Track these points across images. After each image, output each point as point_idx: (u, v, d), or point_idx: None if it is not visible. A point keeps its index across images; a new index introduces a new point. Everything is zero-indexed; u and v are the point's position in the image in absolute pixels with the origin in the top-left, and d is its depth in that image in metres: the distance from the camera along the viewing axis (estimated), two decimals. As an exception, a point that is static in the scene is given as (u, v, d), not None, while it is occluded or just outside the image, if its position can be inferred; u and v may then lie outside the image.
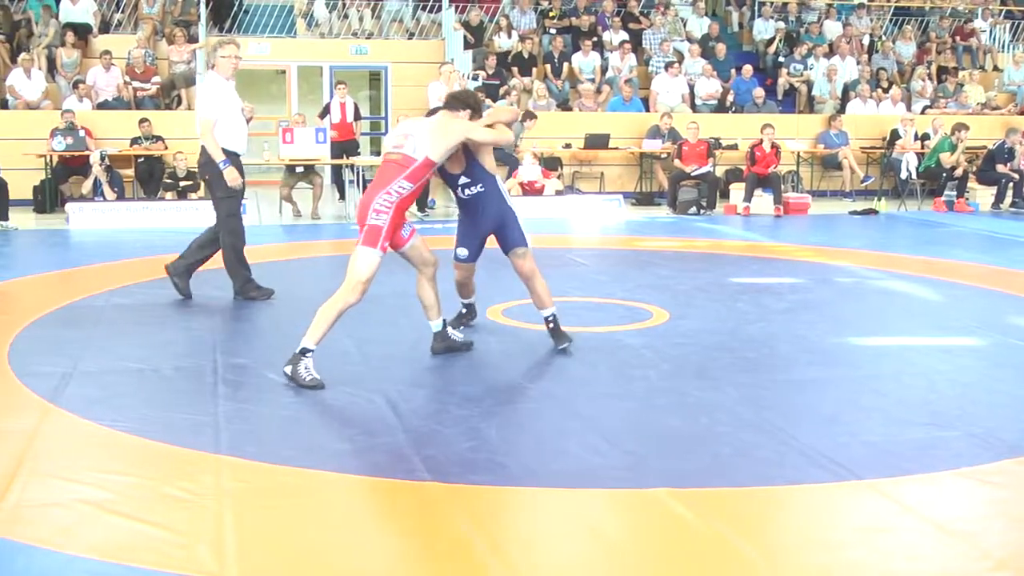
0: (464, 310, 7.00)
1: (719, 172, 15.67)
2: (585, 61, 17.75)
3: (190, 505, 3.97)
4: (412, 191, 5.83)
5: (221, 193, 7.85)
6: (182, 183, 13.91)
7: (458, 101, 6.26)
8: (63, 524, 3.76)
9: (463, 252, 6.62)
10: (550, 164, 15.67)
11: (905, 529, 3.81)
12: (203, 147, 7.83)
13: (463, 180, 6.37)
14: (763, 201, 14.67)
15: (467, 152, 6.25)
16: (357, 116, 15.35)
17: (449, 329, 6.44)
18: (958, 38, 20.98)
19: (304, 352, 5.58)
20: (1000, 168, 15.51)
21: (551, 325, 6.49)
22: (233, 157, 7.85)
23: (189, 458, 4.47)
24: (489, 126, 6.25)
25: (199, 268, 8.14)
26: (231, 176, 7.76)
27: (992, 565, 3.53)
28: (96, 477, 4.23)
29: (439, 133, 5.93)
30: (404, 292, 6.92)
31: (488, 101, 15.94)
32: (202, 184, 14.47)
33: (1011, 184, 15.49)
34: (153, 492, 4.10)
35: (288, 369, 5.58)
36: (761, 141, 14.72)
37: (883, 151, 17.04)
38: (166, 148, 14.62)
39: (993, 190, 15.63)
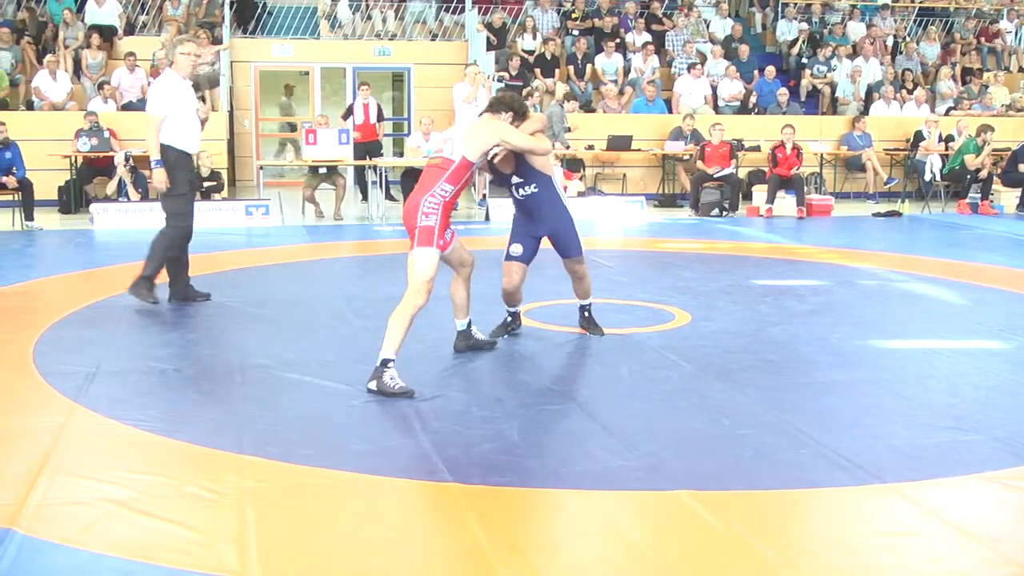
0: (509, 318, 6.89)
1: (742, 174, 15.63)
2: (608, 62, 17.74)
3: (213, 504, 3.99)
4: (455, 192, 5.91)
5: (173, 190, 7.71)
6: (206, 183, 13.98)
7: (501, 104, 6.29)
8: (87, 522, 3.79)
9: (517, 249, 6.64)
10: (572, 165, 15.66)
11: (928, 533, 3.80)
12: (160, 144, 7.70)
13: (516, 180, 6.49)
14: (786, 203, 14.61)
15: (516, 152, 6.30)
16: (380, 117, 15.39)
17: (473, 328, 6.46)
18: (983, 39, 20.88)
19: (385, 364, 5.51)
20: (1023, 168, 15.39)
21: (586, 314, 6.90)
22: (183, 156, 7.76)
23: (212, 457, 4.50)
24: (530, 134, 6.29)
25: (189, 269, 8.03)
26: (159, 178, 7.64)
27: (1016, 570, 3.51)
28: (120, 476, 4.26)
29: (474, 133, 6.01)
30: (437, 294, 6.92)
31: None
32: (225, 184, 14.63)
33: (1036, 185, 15.40)
34: (176, 491, 4.12)
35: (373, 384, 5.49)
36: (782, 143, 14.67)
37: (907, 153, 16.95)
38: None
39: (1017, 192, 15.52)
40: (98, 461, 4.48)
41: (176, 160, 7.73)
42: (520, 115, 6.28)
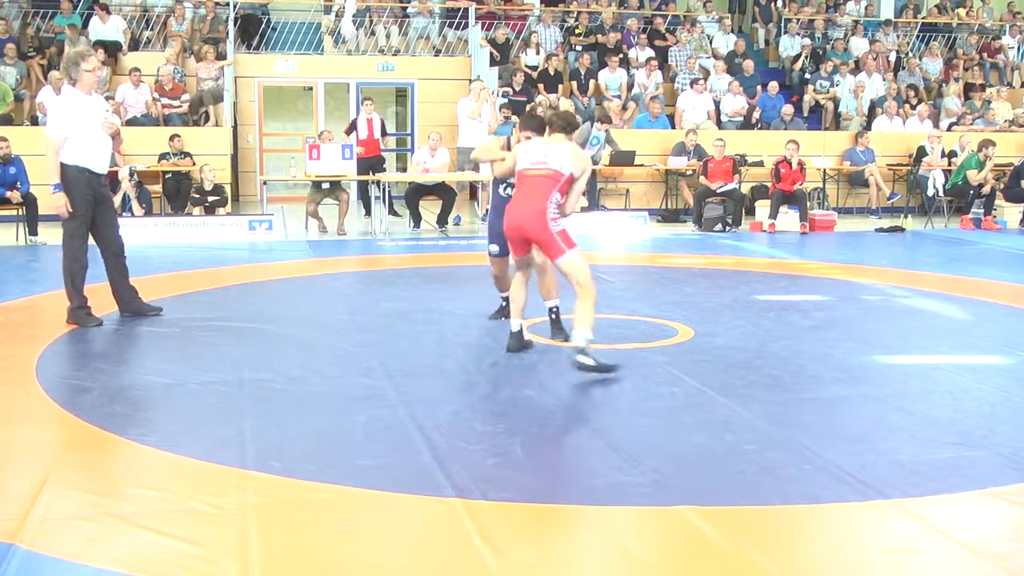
0: (504, 303, 7.54)
1: (744, 189, 15.63)
2: (611, 78, 17.78)
3: (215, 520, 3.98)
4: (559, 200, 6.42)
5: (69, 212, 7.50)
6: (210, 198, 14.01)
7: (571, 127, 6.66)
8: (89, 537, 3.78)
9: (495, 248, 7.38)
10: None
11: (932, 549, 3.78)
12: (61, 164, 7.45)
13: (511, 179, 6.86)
14: (789, 218, 14.61)
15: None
16: (384, 132, 15.41)
17: (526, 330, 6.85)
18: (985, 55, 20.90)
19: (586, 345, 6.11)
20: (1027, 183, 15.40)
21: (553, 316, 7.20)
22: (89, 175, 7.54)
23: (215, 472, 4.49)
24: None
25: (128, 280, 7.93)
26: (57, 203, 7.43)
27: (1020, 586, 3.50)
28: (122, 491, 4.26)
29: (579, 157, 6.47)
30: (428, 308, 6.94)
31: (514, 118, 16.02)
32: (229, 199, 14.66)
33: (1039, 200, 15.40)
34: (179, 506, 4.11)
35: (582, 358, 6.10)
36: (786, 158, 14.68)
37: (910, 168, 16.96)
38: (194, 164, 14.73)
39: (1020, 207, 15.51)
40: (100, 476, 4.48)
41: (73, 179, 7.48)
42: (572, 131, 6.72)
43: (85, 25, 17.12)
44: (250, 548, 3.70)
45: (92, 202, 7.62)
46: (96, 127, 7.59)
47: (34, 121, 15.52)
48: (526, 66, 17.84)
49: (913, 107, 18.33)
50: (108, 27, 17.03)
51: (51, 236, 12.66)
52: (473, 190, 16.20)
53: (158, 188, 14.79)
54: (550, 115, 6.80)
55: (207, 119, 16.29)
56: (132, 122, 15.41)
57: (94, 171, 7.61)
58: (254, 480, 4.39)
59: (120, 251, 7.88)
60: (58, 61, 16.45)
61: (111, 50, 16.70)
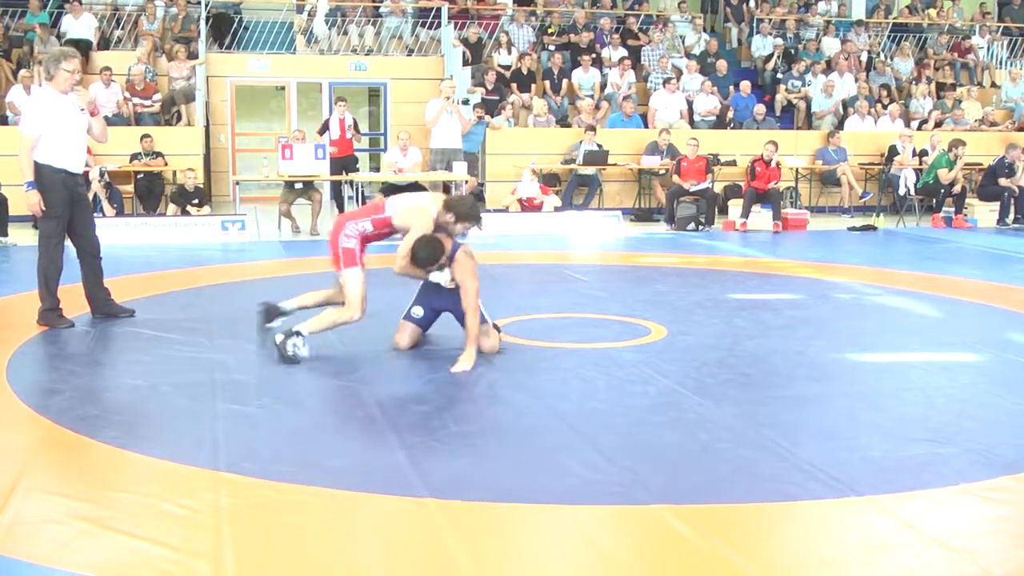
0: None
1: (718, 188, 15.68)
2: (584, 77, 17.80)
3: (188, 522, 3.96)
4: (373, 234, 6.66)
5: (46, 212, 7.46)
6: (193, 201, 13.94)
7: (450, 207, 6.59)
8: (60, 541, 3.76)
9: (418, 311, 6.89)
10: (549, 180, 15.69)
11: (905, 546, 3.80)
12: (36, 163, 7.40)
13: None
14: (762, 217, 14.67)
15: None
16: (357, 131, 15.37)
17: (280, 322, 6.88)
18: (956, 54, 21.06)
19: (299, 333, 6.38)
20: (1002, 182, 15.51)
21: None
22: (66, 176, 7.50)
23: (187, 475, 4.46)
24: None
25: (103, 281, 7.92)
26: (30, 201, 7.40)
27: (992, 582, 3.52)
28: (93, 494, 4.22)
29: (410, 215, 6.57)
30: (401, 307, 6.91)
31: (488, 117, 16.02)
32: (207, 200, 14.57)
33: (1013, 199, 15.51)
34: (151, 509, 4.09)
35: (280, 338, 6.41)
36: (762, 157, 14.73)
37: (881, 167, 17.07)
38: (166, 164, 14.65)
39: (992, 206, 15.63)
40: (72, 479, 4.45)
41: (49, 180, 7.42)
42: (463, 219, 6.58)
43: (55, 24, 16.99)
44: (223, 550, 3.69)
45: (69, 203, 7.57)
46: (70, 126, 7.51)
47: (3, 120, 15.39)
48: (499, 66, 17.84)
49: (885, 107, 18.44)
50: (80, 23, 16.90)
51: (21, 237, 12.58)
52: (447, 189, 16.16)
53: (130, 188, 14.69)
54: (457, 201, 6.72)
55: (179, 119, 16.20)
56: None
57: (70, 171, 7.55)
58: (227, 482, 4.36)
59: (96, 252, 7.85)
60: (28, 60, 16.34)
61: (82, 48, 16.56)
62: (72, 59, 7.52)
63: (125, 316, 7.83)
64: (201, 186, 14.36)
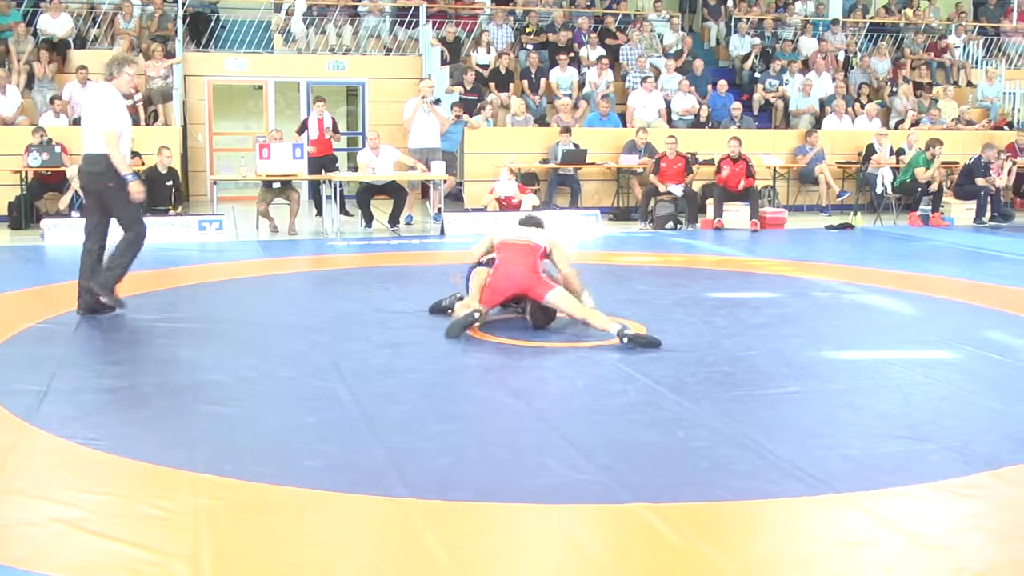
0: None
1: (696, 187, 15.71)
2: (562, 76, 17.80)
3: (166, 523, 3.94)
4: None
5: (127, 202, 7.80)
6: (167, 183, 13.86)
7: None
8: (37, 543, 3.73)
9: None
10: (527, 179, 15.69)
11: (882, 542, 3.82)
12: (91, 156, 7.81)
13: None
14: (740, 216, 14.71)
15: None
16: (335, 130, 15.32)
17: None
18: (932, 54, 21.17)
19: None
20: (979, 181, 15.60)
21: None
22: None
23: (165, 476, 4.44)
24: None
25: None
26: (137, 189, 7.74)
27: (968, 578, 3.54)
28: (70, 495, 4.20)
29: (560, 248, 7.77)
30: (380, 307, 6.91)
31: (466, 117, 16.01)
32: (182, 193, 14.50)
33: (989, 197, 15.60)
34: (129, 510, 4.07)
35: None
36: (728, 154, 14.77)
37: (859, 166, 17.14)
38: (143, 164, 14.56)
39: (969, 204, 15.73)
40: (49, 481, 4.42)
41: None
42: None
43: (30, 23, 16.88)
44: (202, 551, 3.67)
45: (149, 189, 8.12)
46: (129, 125, 7.96)
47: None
48: (477, 65, 17.84)
49: (863, 106, 18.52)
50: (57, 22, 16.80)
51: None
52: (425, 189, 16.16)
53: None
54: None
55: (156, 118, 16.12)
56: (80, 121, 15.16)
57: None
58: (206, 483, 4.35)
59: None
60: (5, 59, 16.23)
61: (58, 48, 16.49)
62: (134, 64, 7.94)
63: (118, 308, 7.81)
64: (174, 168, 14.24)
